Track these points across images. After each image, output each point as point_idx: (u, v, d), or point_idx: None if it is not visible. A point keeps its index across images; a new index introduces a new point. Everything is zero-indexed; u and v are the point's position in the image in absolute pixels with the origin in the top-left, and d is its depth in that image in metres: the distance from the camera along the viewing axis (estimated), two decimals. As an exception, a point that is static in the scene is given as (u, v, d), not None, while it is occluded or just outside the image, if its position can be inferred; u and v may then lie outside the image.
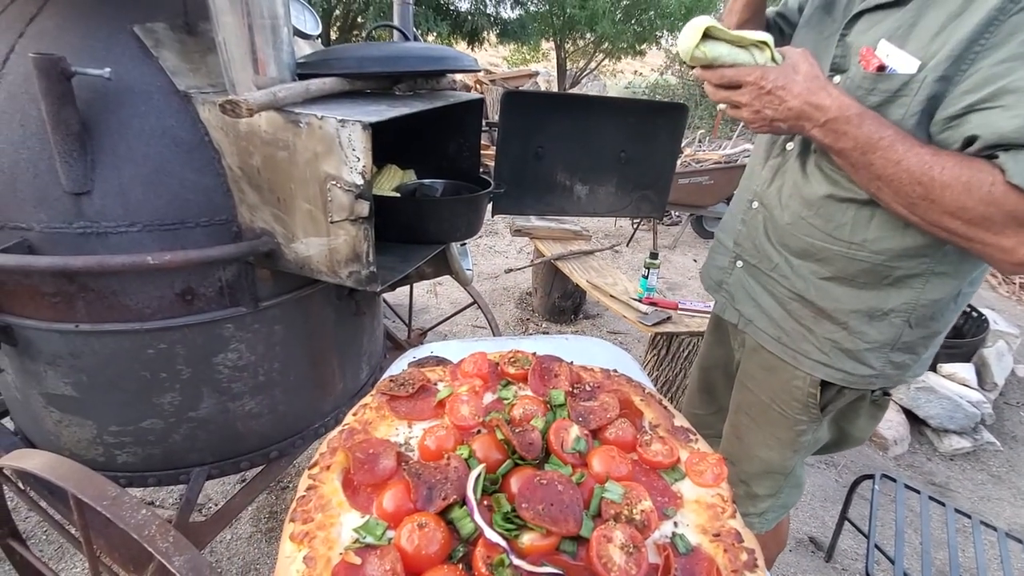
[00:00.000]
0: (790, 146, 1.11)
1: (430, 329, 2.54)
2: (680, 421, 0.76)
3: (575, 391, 0.77)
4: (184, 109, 1.11)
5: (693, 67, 0.95)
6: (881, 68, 0.90)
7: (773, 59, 0.92)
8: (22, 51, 1.06)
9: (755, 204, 1.20)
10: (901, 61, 0.87)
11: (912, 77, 0.86)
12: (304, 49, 1.42)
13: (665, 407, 0.77)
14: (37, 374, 1.23)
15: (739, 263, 1.26)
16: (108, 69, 0.99)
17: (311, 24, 1.45)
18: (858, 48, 0.96)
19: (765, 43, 0.91)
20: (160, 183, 1.10)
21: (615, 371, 0.84)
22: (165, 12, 1.16)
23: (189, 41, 1.17)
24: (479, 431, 0.69)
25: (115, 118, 1.07)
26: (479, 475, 0.60)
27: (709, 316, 1.55)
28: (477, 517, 0.56)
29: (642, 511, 0.59)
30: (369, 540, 0.55)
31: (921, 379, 2.89)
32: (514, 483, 0.61)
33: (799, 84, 0.88)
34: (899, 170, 0.84)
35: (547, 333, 3.77)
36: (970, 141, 0.82)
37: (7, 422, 1.47)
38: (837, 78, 1.00)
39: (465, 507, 0.58)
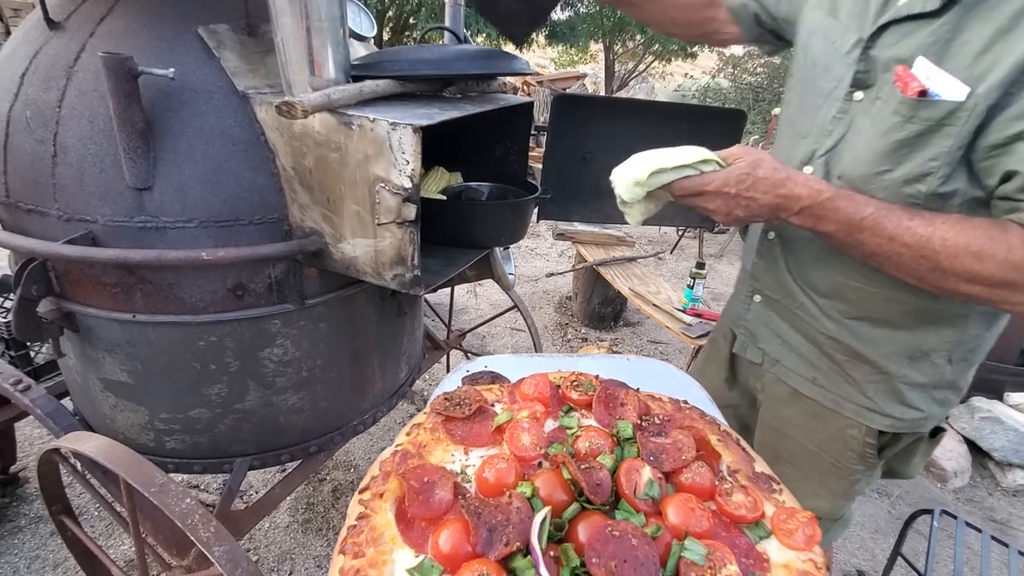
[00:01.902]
0: (808, 170, 0.99)
1: (470, 331, 2.53)
2: (761, 466, 0.70)
3: (643, 423, 0.71)
4: (242, 109, 1.13)
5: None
6: (923, 93, 0.79)
7: (719, 164, 0.89)
8: (92, 50, 1.10)
9: (771, 235, 1.09)
10: (945, 85, 0.77)
11: (961, 105, 0.76)
12: (359, 51, 1.43)
13: (744, 449, 0.72)
14: (96, 360, 1.29)
15: (757, 297, 1.15)
16: (172, 69, 1.02)
17: (367, 26, 1.46)
18: (886, 64, 0.86)
19: (706, 160, 0.88)
20: (217, 181, 1.12)
21: (685, 402, 0.78)
22: (228, 14, 1.18)
23: (249, 42, 1.19)
24: (540, 464, 0.65)
25: (177, 117, 1.10)
26: (544, 520, 0.55)
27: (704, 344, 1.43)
28: (543, 571, 0.51)
29: None
30: None
31: (987, 409, 2.71)
32: (582, 531, 0.55)
33: (764, 182, 0.84)
34: (895, 246, 0.80)
35: (586, 339, 3.72)
36: (1007, 177, 0.74)
37: (67, 403, 1.54)
38: (859, 94, 0.91)
39: (529, 556, 0.53)
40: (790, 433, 1.16)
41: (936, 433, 1.10)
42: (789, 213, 0.85)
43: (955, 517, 1.80)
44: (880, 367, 0.99)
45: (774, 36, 1.20)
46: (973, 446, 2.74)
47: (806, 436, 1.13)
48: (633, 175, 0.89)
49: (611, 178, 0.93)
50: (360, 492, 0.62)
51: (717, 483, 0.65)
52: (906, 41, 0.83)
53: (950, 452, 2.66)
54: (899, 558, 1.94)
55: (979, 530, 1.77)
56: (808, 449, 1.13)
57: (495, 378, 0.83)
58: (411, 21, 8.15)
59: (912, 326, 0.95)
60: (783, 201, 0.84)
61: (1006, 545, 1.73)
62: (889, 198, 0.85)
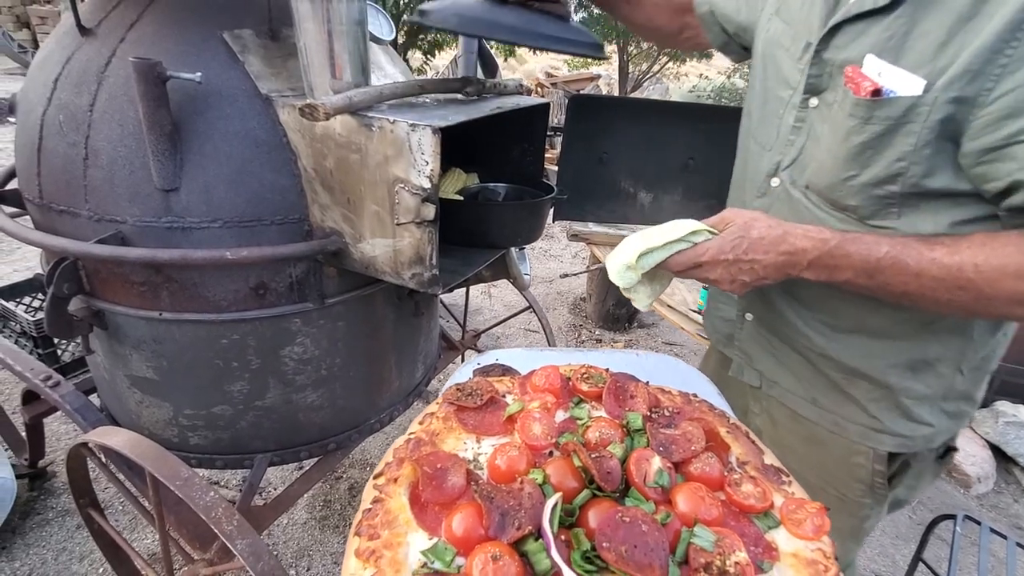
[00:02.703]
0: (775, 182, 0.94)
1: (484, 331, 2.55)
2: (770, 459, 0.70)
3: (653, 415, 0.72)
4: (265, 112, 1.16)
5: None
6: (877, 92, 0.74)
7: (711, 233, 0.87)
8: (122, 55, 1.13)
9: None
10: (899, 81, 0.73)
11: (918, 99, 0.71)
12: (378, 53, 1.45)
13: (753, 441, 0.72)
14: (123, 357, 1.32)
15: (749, 316, 1.07)
16: (199, 73, 1.05)
17: (386, 29, 1.48)
18: (841, 66, 0.81)
19: (696, 231, 0.87)
20: (241, 182, 1.15)
21: (695, 395, 0.79)
22: (252, 19, 1.21)
23: (272, 46, 1.22)
24: (551, 452, 0.66)
25: (203, 120, 1.13)
26: (556, 505, 0.56)
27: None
28: (555, 554, 0.52)
29: (736, 563, 0.53)
30: (438, 566, 0.52)
31: (1011, 414, 2.65)
32: (593, 517, 0.57)
33: (761, 242, 0.81)
34: (924, 282, 0.74)
35: (600, 340, 3.71)
36: (1015, 186, 0.68)
37: (94, 399, 1.58)
38: (814, 100, 0.87)
39: (540, 540, 0.54)
40: (789, 463, 1.04)
41: (945, 453, 1.01)
42: (799, 269, 0.81)
43: (979, 523, 1.77)
44: (879, 381, 0.92)
45: (739, 44, 1.18)
46: (998, 451, 2.68)
47: (807, 467, 1.02)
48: (622, 260, 0.88)
49: (605, 265, 0.92)
50: (375, 477, 0.63)
51: (726, 474, 0.65)
52: (860, 40, 0.79)
53: (973, 457, 2.61)
54: (920, 564, 1.91)
55: (1004, 536, 1.73)
56: (808, 482, 1.03)
57: (506, 371, 0.84)
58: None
59: (910, 336, 0.88)
60: (788, 258, 0.80)
61: (1032, 551, 1.70)
62: (863, 203, 0.81)
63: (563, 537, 0.55)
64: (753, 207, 0.99)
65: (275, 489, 2.24)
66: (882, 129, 0.75)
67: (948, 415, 0.94)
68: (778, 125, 0.95)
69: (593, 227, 3.63)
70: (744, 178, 1.05)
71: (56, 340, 2.25)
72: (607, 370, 0.79)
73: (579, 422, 0.71)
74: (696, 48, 1.32)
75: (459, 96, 1.34)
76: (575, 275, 4.18)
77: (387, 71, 1.45)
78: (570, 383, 0.78)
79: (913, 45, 0.73)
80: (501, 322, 2.80)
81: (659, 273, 0.90)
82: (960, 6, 0.68)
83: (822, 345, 0.95)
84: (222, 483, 2.24)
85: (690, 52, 12.14)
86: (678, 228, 0.88)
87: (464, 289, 2.56)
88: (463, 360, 2.61)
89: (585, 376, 0.78)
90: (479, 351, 2.50)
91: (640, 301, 0.92)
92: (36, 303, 2.44)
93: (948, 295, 0.74)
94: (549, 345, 2.49)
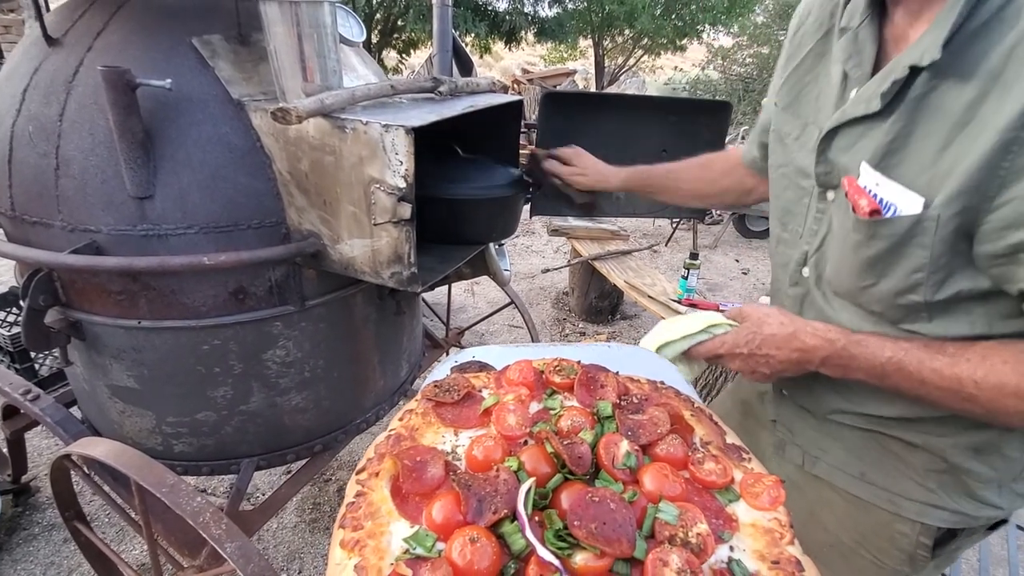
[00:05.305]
0: (806, 271, 0.91)
1: (467, 328, 2.57)
2: (732, 438, 0.74)
3: (622, 403, 0.75)
4: (237, 117, 1.16)
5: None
6: (875, 211, 0.71)
7: (730, 325, 0.92)
8: (90, 64, 1.12)
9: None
10: (896, 196, 0.69)
11: (921, 216, 0.67)
12: (349, 55, 1.46)
13: (716, 423, 0.75)
14: (103, 367, 1.31)
15: (785, 391, 1.01)
16: (169, 80, 1.05)
17: (356, 31, 1.49)
18: (845, 168, 0.77)
19: (716, 324, 0.92)
20: (215, 187, 1.15)
21: (662, 383, 0.82)
22: (221, 24, 1.21)
23: (243, 51, 1.22)
24: (526, 442, 0.68)
25: (175, 126, 1.13)
26: (529, 489, 0.59)
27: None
28: (529, 534, 0.55)
29: (698, 534, 0.57)
30: (419, 551, 0.54)
31: None
32: (564, 499, 0.59)
33: (772, 339, 0.84)
34: (930, 390, 0.73)
35: (584, 333, 3.75)
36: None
37: (75, 411, 1.56)
38: (831, 194, 0.84)
39: (516, 522, 0.57)
40: (824, 519, 0.98)
41: (998, 523, 0.93)
42: (814, 365, 0.82)
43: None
44: (938, 455, 0.85)
45: None
46: None
47: (842, 526, 0.96)
48: (647, 348, 0.95)
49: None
50: (357, 473, 0.65)
51: (690, 453, 0.68)
52: (861, 143, 0.76)
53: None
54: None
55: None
56: (842, 542, 0.96)
57: (483, 367, 0.86)
58: (399, 23, 8.15)
59: (967, 424, 0.81)
60: (801, 355, 0.81)
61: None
62: (887, 310, 0.78)
63: (537, 518, 0.58)
64: (788, 295, 0.97)
65: (263, 495, 2.24)
66: (889, 244, 0.72)
67: (1022, 496, 0.87)
68: (805, 214, 0.91)
69: (573, 221, 3.66)
70: (779, 263, 1.01)
71: (34, 354, 2.22)
72: (579, 362, 0.82)
73: (552, 412, 0.74)
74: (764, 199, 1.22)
75: (432, 96, 1.35)
76: (557, 270, 4.21)
77: (359, 72, 1.46)
78: (543, 376, 0.81)
79: (914, 149, 0.70)
80: (484, 319, 2.82)
81: (684, 357, 0.95)
82: (955, 112, 0.66)
83: (876, 423, 0.89)
84: (210, 491, 2.23)
85: (665, 46, 12.25)
86: (698, 321, 0.93)
87: (447, 287, 2.58)
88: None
89: (557, 369, 0.81)
90: (463, 348, 2.52)
91: (684, 375, 0.95)
92: (12, 317, 2.40)
93: (959, 405, 0.72)
94: (532, 340, 2.51)
